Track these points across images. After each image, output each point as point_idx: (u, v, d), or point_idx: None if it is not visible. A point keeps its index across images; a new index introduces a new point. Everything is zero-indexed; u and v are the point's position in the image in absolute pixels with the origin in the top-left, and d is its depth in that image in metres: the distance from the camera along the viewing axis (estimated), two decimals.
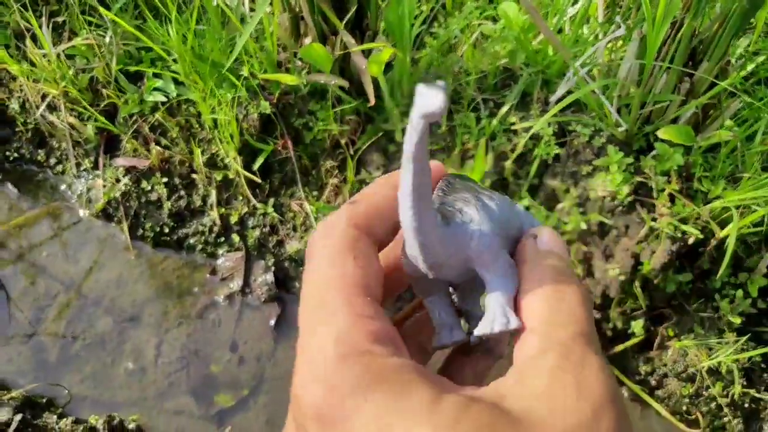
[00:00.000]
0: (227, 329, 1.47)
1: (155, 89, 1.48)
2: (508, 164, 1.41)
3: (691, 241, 1.33)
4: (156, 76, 1.49)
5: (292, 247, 1.49)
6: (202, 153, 1.49)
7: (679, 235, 1.32)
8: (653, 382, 1.39)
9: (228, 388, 1.41)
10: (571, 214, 1.38)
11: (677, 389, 1.37)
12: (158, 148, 1.49)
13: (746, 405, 1.36)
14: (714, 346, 1.36)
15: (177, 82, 1.49)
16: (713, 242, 1.33)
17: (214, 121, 1.43)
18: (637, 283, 1.34)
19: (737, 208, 1.27)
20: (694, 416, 1.37)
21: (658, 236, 1.32)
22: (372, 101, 1.31)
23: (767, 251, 1.39)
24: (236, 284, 1.50)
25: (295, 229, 1.50)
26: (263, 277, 1.50)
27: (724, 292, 1.40)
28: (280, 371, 1.42)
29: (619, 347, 1.39)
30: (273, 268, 1.50)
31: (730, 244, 1.22)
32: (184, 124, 1.50)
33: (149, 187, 1.52)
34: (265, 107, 1.43)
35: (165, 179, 1.52)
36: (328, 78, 1.37)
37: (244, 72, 1.35)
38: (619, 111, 1.40)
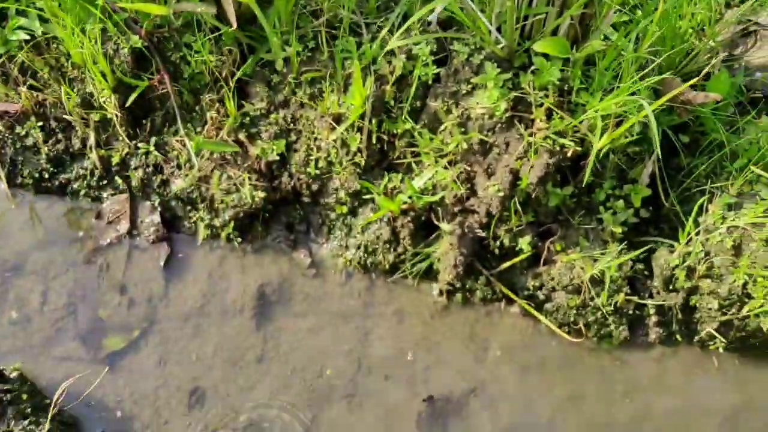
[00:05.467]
0: (116, 273, 1.44)
1: (19, 27, 1.41)
2: (388, 88, 1.38)
3: (569, 153, 1.33)
4: (20, 13, 1.42)
5: (177, 185, 1.45)
6: (77, 93, 1.43)
7: (558, 148, 1.32)
8: (542, 297, 1.41)
9: (118, 331, 1.38)
10: (453, 134, 1.36)
11: (564, 302, 1.39)
12: (27, 90, 1.42)
13: (630, 312, 1.39)
14: (599, 257, 1.38)
15: (43, 20, 1.42)
16: (592, 154, 1.33)
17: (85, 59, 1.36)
18: (516, 199, 1.34)
19: (608, 117, 1.27)
20: (578, 327, 1.40)
21: (537, 151, 1.32)
22: (234, 25, 1.26)
23: (650, 160, 1.40)
24: (123, 227, 1.46)
25: (179, 167, 1.46)
26: (150, 218, 1.46)
27: (608, 204, 1.41)
28: (172, 311, 1.39)
29: (507, 264, 1.40)
30: (159, 209, 1.47)
31: (593, 153, 1.22)
32: (54, 63, 1.43)
33: (24, 132, 1.46)
34: (136, 41, 1.37)
35: (40, 123, 1.46)
36: (195, 4, 1.32)
37: (99, 1, 1.29)
38: (499, 29, 1.38)
